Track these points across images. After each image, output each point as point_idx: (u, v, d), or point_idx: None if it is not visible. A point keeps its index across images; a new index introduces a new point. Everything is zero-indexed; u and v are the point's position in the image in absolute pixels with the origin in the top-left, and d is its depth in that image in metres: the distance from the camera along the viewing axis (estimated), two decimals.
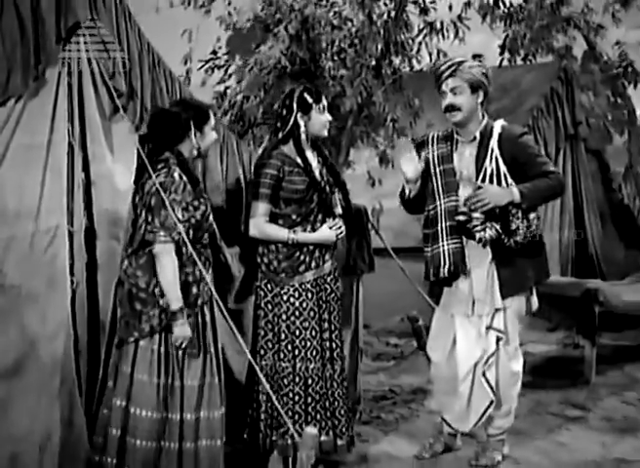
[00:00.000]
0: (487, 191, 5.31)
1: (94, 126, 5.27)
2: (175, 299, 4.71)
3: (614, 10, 11.74)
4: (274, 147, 5.48)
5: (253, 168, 5.64)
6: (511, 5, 10.13)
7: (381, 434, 6.24)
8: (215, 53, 9.06)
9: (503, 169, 5.39)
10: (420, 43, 8.63)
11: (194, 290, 4.82)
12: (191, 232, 4.83)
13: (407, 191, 5.69)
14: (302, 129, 5.43)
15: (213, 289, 4.87)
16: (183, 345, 4.76)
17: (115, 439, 4.81)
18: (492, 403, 5.54)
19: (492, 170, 5.40)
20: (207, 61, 9.20)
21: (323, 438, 5.36)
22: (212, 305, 4.98)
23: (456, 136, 5.59)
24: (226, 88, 8.71)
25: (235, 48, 11.86)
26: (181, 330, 4.72)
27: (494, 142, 5.44)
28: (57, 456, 4.91)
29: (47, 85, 5.14)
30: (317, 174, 5.47)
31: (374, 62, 8.26)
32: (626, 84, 12.37)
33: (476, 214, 5.28)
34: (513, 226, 5.30)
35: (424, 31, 8.60)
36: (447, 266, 5.42)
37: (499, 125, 5.54)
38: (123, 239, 5.28)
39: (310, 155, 5.49)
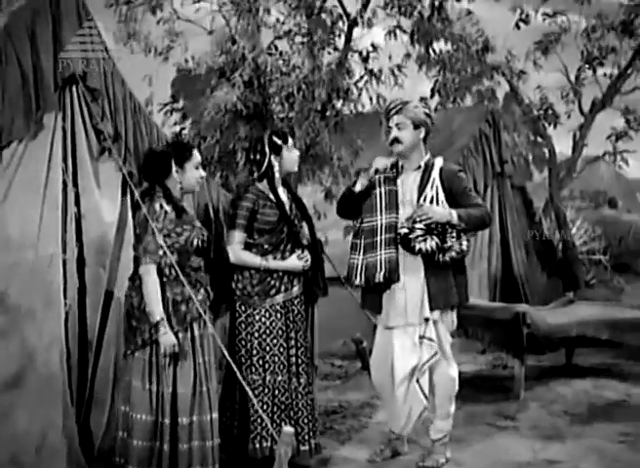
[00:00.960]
0: (431, 208, 6.07)
1: (84, 165, 5.99)
2: (155, 313, 5.27)
3: (534, 57, 12.70)
4: (250, 184, 6.17)
5: (230, 201, 6.29)
6: (441, 52, 10.81)
7: (336, 443, 6.84)
8: (173, 97, 9.69)
9: (442, 196, 6.16)
10: (361, 88, 9.32)
11: (183, 308, 5.39)
12: (176, 256, 5.39)
13: (358, 186, 6.28)
14: (276, 168, 6.13)
15: (200, 308, 5.48)
16: (168, 351, 5.30)
17: (121, 440, 5.41)
18: (425, 408, 6.25)
19: (432, 195, 6.16)
20: (165, 105, 9.87)
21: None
22: (202, 322, 5.53)
23: (400, 162, 6.34)
24: (182, 129, 9.31)
25: (179, 89, 12.50)
26: (165, 338, 5.27)
27: (435, 173, 6.21)
28: (51, 457, 5.52)
29: (45, 129, 5.83)
30: (287, 208, 6.16)
31: (320, 106, 8.91)
32: (547, 125, 13.25)
33: (419, 226, 6.01)
34: (448, 243, 6.05)
35: (365, 78, 9.30)
36: (382, 272, 6.13)
37: (440, 160, 6.32)
38: (108, 267, 5.97)
39: (281, 191, 6.18)
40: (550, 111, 13.16)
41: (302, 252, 6.15)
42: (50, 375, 5.60)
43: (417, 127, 6.22)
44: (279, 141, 6.11)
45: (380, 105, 9.05)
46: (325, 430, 7.00)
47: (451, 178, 6.24)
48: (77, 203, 5.93)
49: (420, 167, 6.26)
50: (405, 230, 6.07)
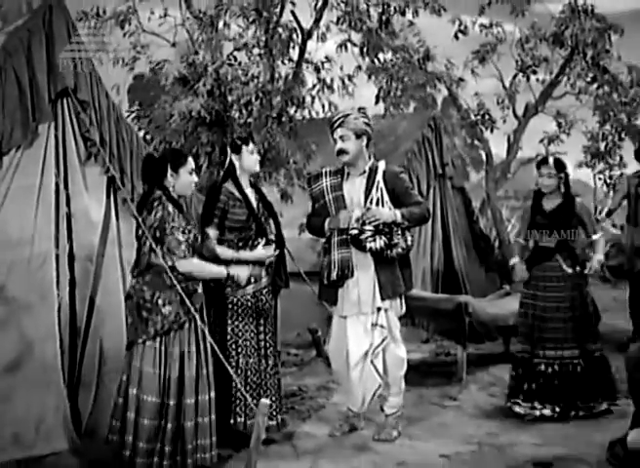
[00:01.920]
0: (378, 210, 6.78)
1: (74, 169, 6.62)
2: (223, 272, 6.17)
3: (472, 66, 13.46)
4: (220, 185, 6.82)
5: (203, 202, 6.93)
6: (386, 61, 11.44)
7: (298, 421, 7.50)
8: (140, 104, 10.26)
9: (386, 197, 6.89)
10: (314, 97, 9.94)
11: (188, 299, 5.92)
12: (190, 250, 5.99)
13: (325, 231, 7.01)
14: (237, 166, 6.79)
15: (203, 297, 6.17)
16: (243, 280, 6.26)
17: (132, 420, 5.91)
18: (380, 385, 6.96)
19: (377, 197, 6.88)
20: (132, 112, 10.46)
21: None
22: (202, 310, 6.20)
23: (346, 169, 7.02)
24: (146, 133, 9.86)
25: (135, 95, 13.05)
26: (240, 271, 6.24)
27: (379, 177, 6.93)
28: (48, 435, 6.14)
29: (39, 137, 6.47)
30: (255, 207, 6.82)
31: (276, 113, 9.53)
32: (484, 129, 13.99)
33: (368, 227, 6.72)
34: (395, 241, 6.78)
35: (318, 87, 9.93)
36: (336, 271, 6.85)
37: (382, 164, 7.03)
38: (95, 261, 6.61)
39: (249, 192, 6.84)
40: (487, 116, 13.87)
41: (269, 245, 6.80)
42: (45, 362, 6.21)
43: (359, 136, 6.91)
44: (239, 142, 6.80)
45: (331, 112, 9.69)
46: (287, 410, 7.60)
47: (393, 180, 6.96)
48: (68, 204, 6.56)
49: (364, 171, 6.95)
50: (355, 231, 6.77)
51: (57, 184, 6.49)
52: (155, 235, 5.88)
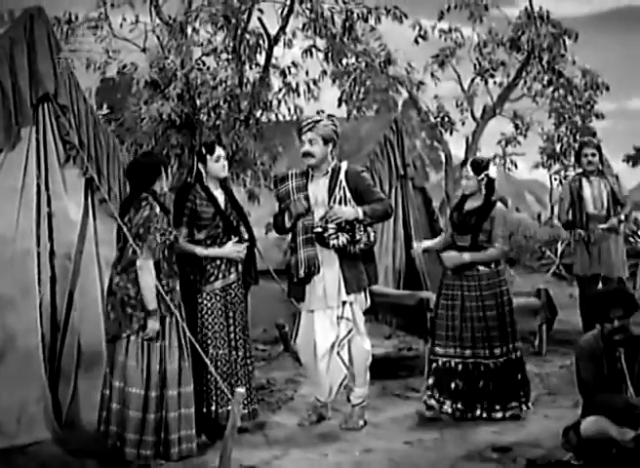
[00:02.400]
0: (340, 209, 7.12)
1: (54, 171, 6.95)
2: (151, 301, 6.15)
3: (432, 70, 13.85)
4: (189, 185, 7.16)
5: (173, 202, 7.22)
6: (348, 65, 11.69)
7: (269, 412, 7.81)
8: (110, 107, 10.50)
9: (349, 195, 7.21)
10: (280, 100, 10.24)
11: (169, 296, 6.27)
12: (167, 251, 6.31)
13: (287, 223, 7.33)
14: (204, 173, 7.11)
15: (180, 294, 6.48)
16: (151, 335, 6.18)
17: (117, 412, 6.21)
18: (346, 376, 7.30)
19: (340, 196, 7.21)
20: (104, 115, 10.71)
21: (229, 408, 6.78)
22: (182, 308, 6.50)
23: (311, 171, 7.35)
24: (117, 136, 10.08)
25: (102, 97, 13.28)
26: (154, 324, 6.17)
27: (342, 176, 7.26)
28: (30, 425, 6.47)
29: (22, 140, 6.79)
30: (222, 206, 7.11)
31: (244, 116, 9.80)
32: (443, 131, 14.41)
33: (331, 226, 7.07)
34: (357, 237, 7.12)
35: (283, 91, 10.22)
36: (303, 268, 7.18)
37: (345, 164, 7.37)
38: (74, 259, 6.90)
39: (217, 192, 7.14)
40: (446, 119, 14.31)
41: (241, 243, 7.10)
42: (28, 355, 6.54)
43: (326, 142, 7.24)
44: (204, 152, 7.09)
45: (297, 115, 9.99)
46: (258, 401, 7.86)
47: (355, 179, 7.28)
48: (49, 204, 6.87)
49: (327, 172, 7.28)
50: (319, 229, 7.11)
51: (38, 185, 6.81)
52: (138, 232, 6.15)
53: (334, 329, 7.26)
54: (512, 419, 7.55)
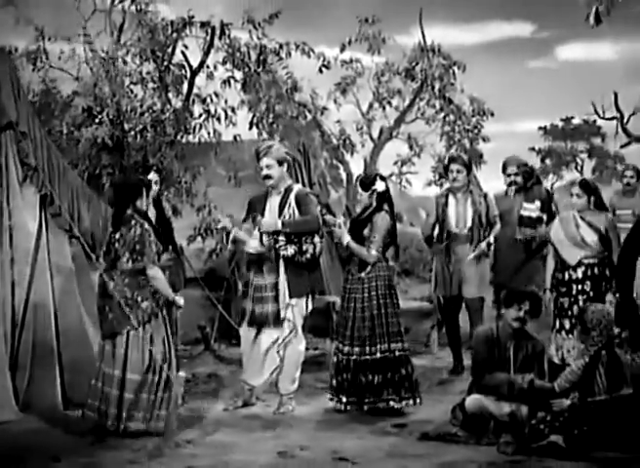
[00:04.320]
0: (262, 220, 8.01)
1: (13, 189, 7.92)
2: (170, 294, 7.32)
3: (335, 96, 15.06)
4: None
5: None
6: (259, 92, 12.73)
7: (197, 400, 8.67)
8: (49, 131, 11.38)
9: (297, 213, 8.03)
10: (200, 125, 11.28)
11: (158, 295, 7.26)
12: (156, 258, 7.29)
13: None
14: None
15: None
16: (180, 305, 7.39)
17: (116, 396, 7.14)
18: (277, 367, 8.19)
19: (289, 214, 8.03)
20: None
21: None
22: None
23: (270, 189, 8.18)
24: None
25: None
26: (179, 301, 7.37)
27: (292, 196, 8.13)
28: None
29: None
30: (154, 221, 7.95)
31: (169, 139, 10.82)
32: (345, 152, 15.50)
33: (281, 238, 7.96)
34: (304, 248, 8.00)
35: (203, 116, 11.28)
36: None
37: (297, 186, 8.32)
38: (30, 265, 7.91)
39: (151, 209, 8.03)
40: (348, 141, 15.21)
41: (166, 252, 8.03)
42: None
43: (281, 163, 8.11)
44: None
45: (216, 138, 11.10)
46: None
47: (302, 199, 8.13)
48: (10, 218, 7.88)
49: (281, 192, 8.17)
50: (272, 241, 8.02)
51: (0, 202, 7.79)
52: (135, 247, 7.12)
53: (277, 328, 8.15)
54: (396, 415, 8.09)
